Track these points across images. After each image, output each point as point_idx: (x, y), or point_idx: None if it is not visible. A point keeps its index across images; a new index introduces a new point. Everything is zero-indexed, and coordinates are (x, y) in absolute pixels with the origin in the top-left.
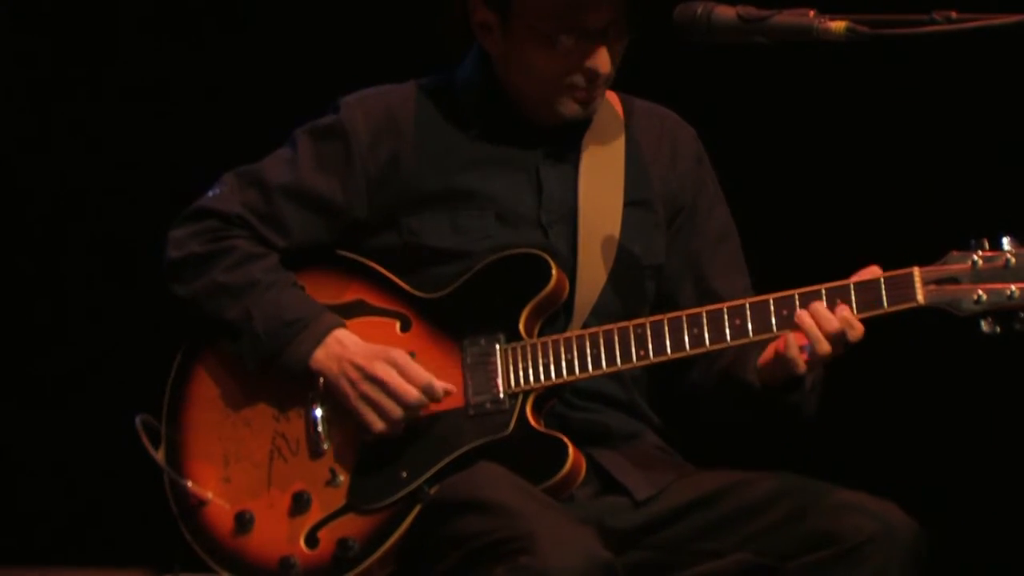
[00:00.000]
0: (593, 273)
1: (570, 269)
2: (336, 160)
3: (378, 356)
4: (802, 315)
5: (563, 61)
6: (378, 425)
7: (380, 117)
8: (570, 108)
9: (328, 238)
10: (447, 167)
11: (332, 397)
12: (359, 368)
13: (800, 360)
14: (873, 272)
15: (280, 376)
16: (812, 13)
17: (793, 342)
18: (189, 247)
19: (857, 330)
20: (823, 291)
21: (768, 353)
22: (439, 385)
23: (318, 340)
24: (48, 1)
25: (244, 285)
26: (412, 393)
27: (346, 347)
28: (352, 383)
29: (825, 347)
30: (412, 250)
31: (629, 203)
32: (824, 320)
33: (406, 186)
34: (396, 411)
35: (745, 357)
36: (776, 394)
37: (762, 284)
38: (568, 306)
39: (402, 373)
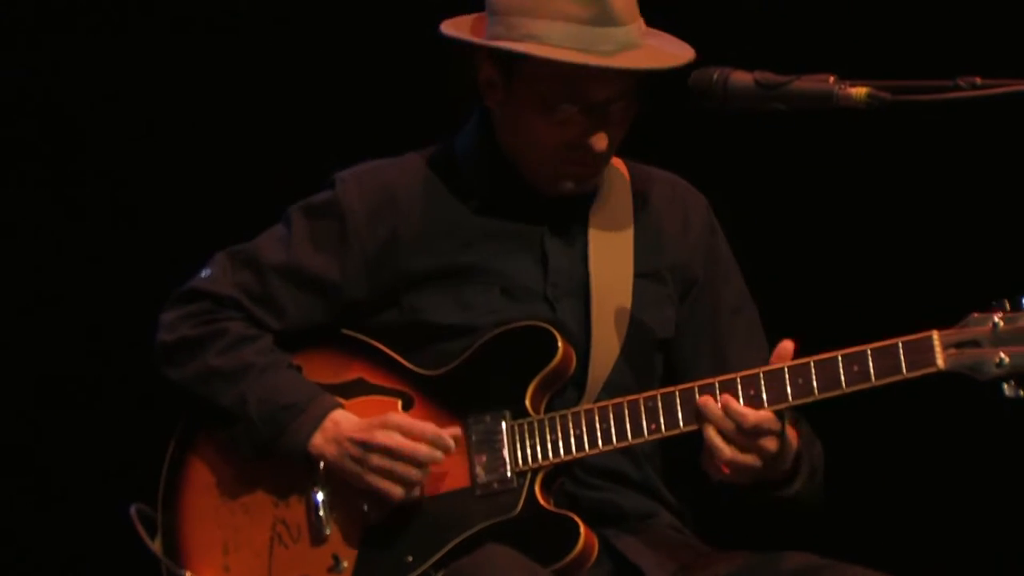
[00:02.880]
0: (606, 347)
1: (583, 343)
2: (332, 239)
3: (375, 425)
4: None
5: (561, 131)
6: (396, 491)
7: (377, 193)
8: (567, 184)
9: (325, 318)
10: (449, 242)
11: (334, 480)
12: (360, 443)
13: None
14: (785, 348)
15: (278, 461)
16: (832, 79)
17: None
18: (180, 330)
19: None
20: (839, 357)
21: None
22: (447, 434)
23: (315, 424)
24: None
25: (238, 369)
26: (422, 450)
27: (342, 428)
28: (357, 460)
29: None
30: (414, 327)
31: (639, 275)
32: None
33: (406, 263)
34: (411, 472)
35: None
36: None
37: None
38: (580, 381)
39: (405, 433)
